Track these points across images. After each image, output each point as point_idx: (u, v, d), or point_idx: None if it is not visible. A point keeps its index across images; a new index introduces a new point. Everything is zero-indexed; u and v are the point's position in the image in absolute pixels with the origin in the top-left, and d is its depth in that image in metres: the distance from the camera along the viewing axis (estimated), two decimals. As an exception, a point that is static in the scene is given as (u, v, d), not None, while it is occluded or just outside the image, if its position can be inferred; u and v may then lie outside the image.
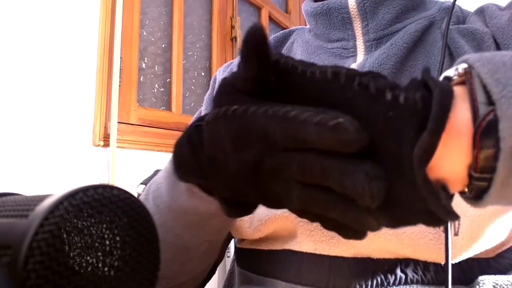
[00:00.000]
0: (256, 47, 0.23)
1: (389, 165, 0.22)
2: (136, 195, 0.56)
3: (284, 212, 0.45)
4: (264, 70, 0.24)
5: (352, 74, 0.23)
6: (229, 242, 0.58)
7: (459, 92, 0.24)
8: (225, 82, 0.26)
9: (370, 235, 0.35)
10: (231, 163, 0.24)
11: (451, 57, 0.49)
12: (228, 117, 0.24)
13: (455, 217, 0.22)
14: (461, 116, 0.23)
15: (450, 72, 0.26)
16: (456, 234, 0.40)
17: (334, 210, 0.22)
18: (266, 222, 0.46)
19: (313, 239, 0.44)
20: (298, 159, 0.22)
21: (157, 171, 0.57)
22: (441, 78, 0.27)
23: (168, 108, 1.90)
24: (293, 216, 0.45)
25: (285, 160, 0.22)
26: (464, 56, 0.26)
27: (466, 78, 0.24)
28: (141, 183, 0.56)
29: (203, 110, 0.63)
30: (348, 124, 0.20)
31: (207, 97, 0.64)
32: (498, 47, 0.48)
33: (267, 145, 0.23)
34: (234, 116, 0.24)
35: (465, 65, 0.25)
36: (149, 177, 0.57)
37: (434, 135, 0.21)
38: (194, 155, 0.26)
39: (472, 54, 0.25)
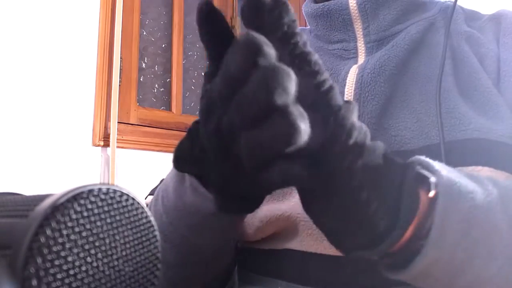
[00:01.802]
0: (206, 18, 0.25)
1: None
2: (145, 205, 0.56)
3: (285, 212, 0.45)
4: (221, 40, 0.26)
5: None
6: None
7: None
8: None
9: None
10: (204, 140, 0.27)
11: (454, 61, 0.49)
12: (201, 99, 0.27)
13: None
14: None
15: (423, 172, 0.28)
16: None
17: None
18: (267, 223, 0.46)
19: (314, 238, 0.44)
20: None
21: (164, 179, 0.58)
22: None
23: (168, 108, 1.90)
24: (294, 216, 0.45)
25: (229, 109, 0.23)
26: (441, 172, 0.28)
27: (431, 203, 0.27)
28: (149, 194, 0.56)
29: None
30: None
31: None
32: (499, 62, 0.48)
33: (222, 107, 0.24)
34: (203, 97, 0.27)
35: (432, 193, 0.27)
36: (156, 186, 0.57)
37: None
38: (190, 146, 0.29)
39: (447, 175, 0.28)
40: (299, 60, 0.25)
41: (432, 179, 0.27)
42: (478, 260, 0.27)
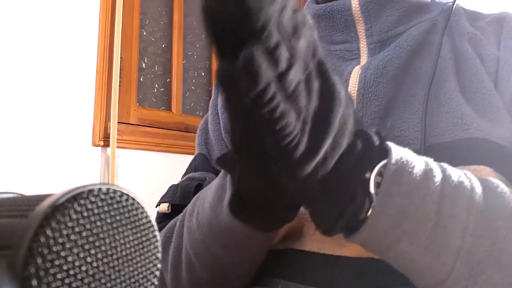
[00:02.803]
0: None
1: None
2: (155, 213, 0.55)
3: None
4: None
5: None
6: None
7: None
8: None
9: None
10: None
11: (457, 62, 0.49)
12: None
13: None
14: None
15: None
16: None
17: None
18: None
19: (317, 239, 0.44)
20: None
21: (172, 186, 0.56)
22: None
23: (168, 108, 1.90)
24: (299, 216, 0.45)
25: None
26: (398, 153, 0.32)
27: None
28: (162, 202, 0.55)
29: (209, 115, 0.62)
30: None
31: (212, 102, 0.63)
32: (498, 65, 0.48)
33: None
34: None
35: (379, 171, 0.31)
36: (165, 193, 0.56)
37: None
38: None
39: (401, 156, 0.32)
40: None
41: (372, 189, 0.31)
42: (401, 245, 0.32)
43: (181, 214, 0.50)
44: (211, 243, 0.42)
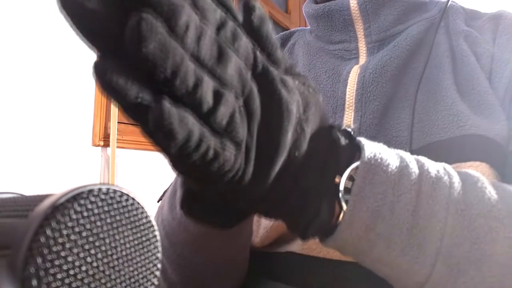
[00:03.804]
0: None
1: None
2: (156, 207, 0.55)
3: None
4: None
5: None
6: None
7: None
8: None
9: None
10: None
11: (453, 60, 0.49)
12: None
13: None
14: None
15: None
16: None
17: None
18: (271, 229, 0.46)
19: (316, 242, 0.44)
20: None
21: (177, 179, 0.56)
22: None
23: (168, 108, 1.90)
24: None
25: None
26: (370, 149, 0.30)
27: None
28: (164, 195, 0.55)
29: None
30: None
31: None
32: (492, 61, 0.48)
33: None
34: None
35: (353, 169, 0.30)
36: (169, 187, 0.56)
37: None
38: None
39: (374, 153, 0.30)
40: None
41: (341, 195, 0.29)
42: (377, 249, 0.30)
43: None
44: (173, 239, 0.41)
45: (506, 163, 0.37)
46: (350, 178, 0.29)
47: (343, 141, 0.30)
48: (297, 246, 0.45)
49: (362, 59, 0.52)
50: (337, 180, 0.29)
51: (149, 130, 0.21)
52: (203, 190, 0.31)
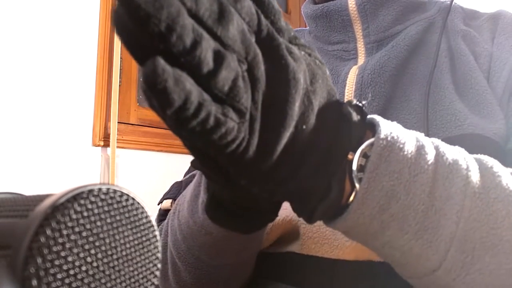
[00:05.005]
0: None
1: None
2: (157, 210, 0.55)
3: (286, 217, 0.45)
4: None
5: None
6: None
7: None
8: None
9: None
10: None
11: (451, 60, 0.49)
12: None
13: None
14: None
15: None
16: None
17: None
18: (271, 229, 0.46)
19: (315, 241, 0.44)
20: None
21: (176, 183, 0.56)
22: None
23: (168, 108, 1.90)
24: (295, 219, 0.45)
25: None
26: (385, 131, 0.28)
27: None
28: (166, 198, 0.54)
29: None
30: None
31: None
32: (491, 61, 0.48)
33: None
34: None
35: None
36: (169, 190, 0.56)
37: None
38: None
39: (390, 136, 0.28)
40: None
41: (355, 174, 0.28)
42: (389, 232, 0.28)
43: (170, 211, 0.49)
44: (191, 243, 0.40)
45: (504, 161, 0.37)
46: (364, 155, 0.28)
47: (354, 116, 0.28)
48: (297, 246, 0.45)
49: (361, 59, 0.52)
50: (349, 157, 0.28)
51: (145, 94, 0.20)
52: (228, 195, 0.31)
